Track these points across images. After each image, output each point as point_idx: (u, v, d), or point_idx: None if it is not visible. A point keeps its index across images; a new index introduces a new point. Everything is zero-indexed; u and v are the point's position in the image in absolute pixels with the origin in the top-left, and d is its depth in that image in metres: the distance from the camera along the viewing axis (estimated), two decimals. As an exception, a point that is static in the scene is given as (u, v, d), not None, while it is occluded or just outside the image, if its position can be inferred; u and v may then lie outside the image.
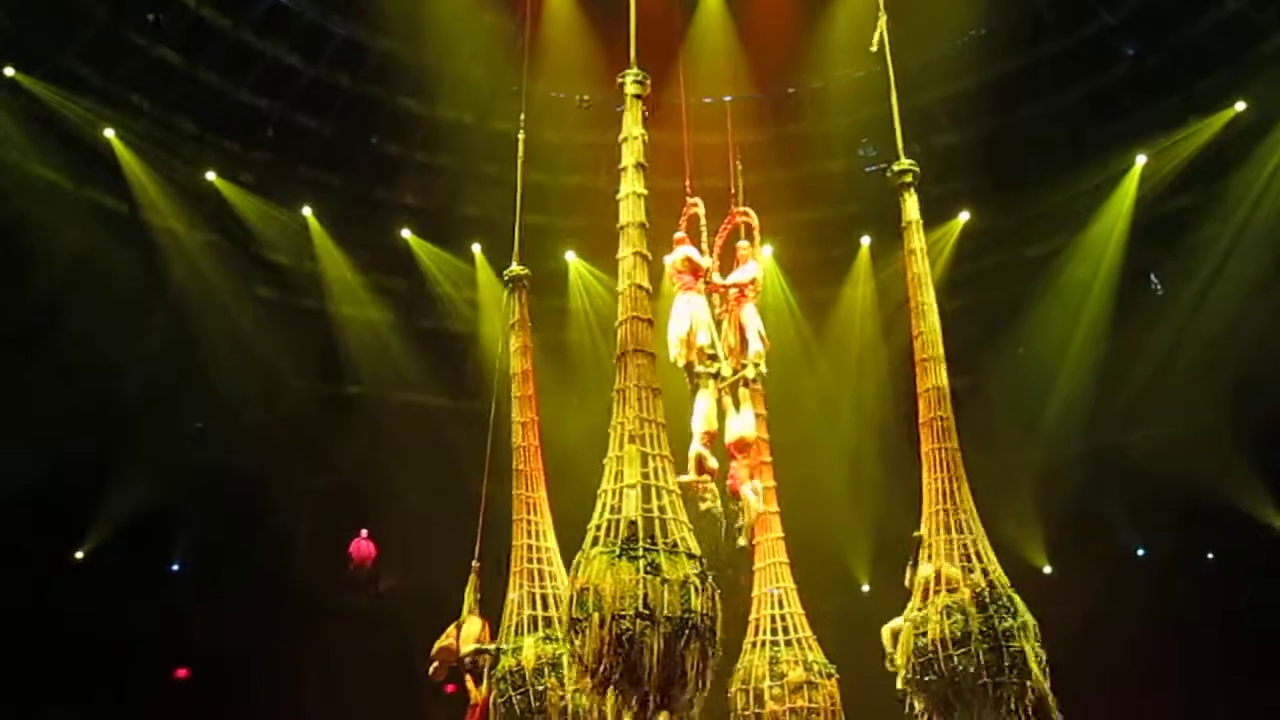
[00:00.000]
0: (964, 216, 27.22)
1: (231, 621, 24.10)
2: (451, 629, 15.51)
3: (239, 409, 25.85)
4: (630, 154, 13.17)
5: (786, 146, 28.30)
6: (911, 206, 14.25)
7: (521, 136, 17.75)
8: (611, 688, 10.75)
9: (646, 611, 10.70)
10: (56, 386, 23.23)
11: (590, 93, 27.03)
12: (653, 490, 11.44)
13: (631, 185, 12.97)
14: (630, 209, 12.84)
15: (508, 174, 27.96)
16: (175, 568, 25.98)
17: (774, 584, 15.83)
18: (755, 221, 15.77)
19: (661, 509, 11.38)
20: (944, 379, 13.28)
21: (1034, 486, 26.23)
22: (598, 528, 11.39)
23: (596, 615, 10.75)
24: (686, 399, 14.46)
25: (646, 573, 10.84)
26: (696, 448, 13.76)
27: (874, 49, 15.29)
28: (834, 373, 28.27)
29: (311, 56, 26.37)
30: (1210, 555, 25.94)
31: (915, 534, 12.71)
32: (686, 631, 10.84)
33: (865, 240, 27.82)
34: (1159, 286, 27.28)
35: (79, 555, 24.35)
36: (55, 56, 23.39)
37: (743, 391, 14.35)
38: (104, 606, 23.30)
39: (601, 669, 10.71)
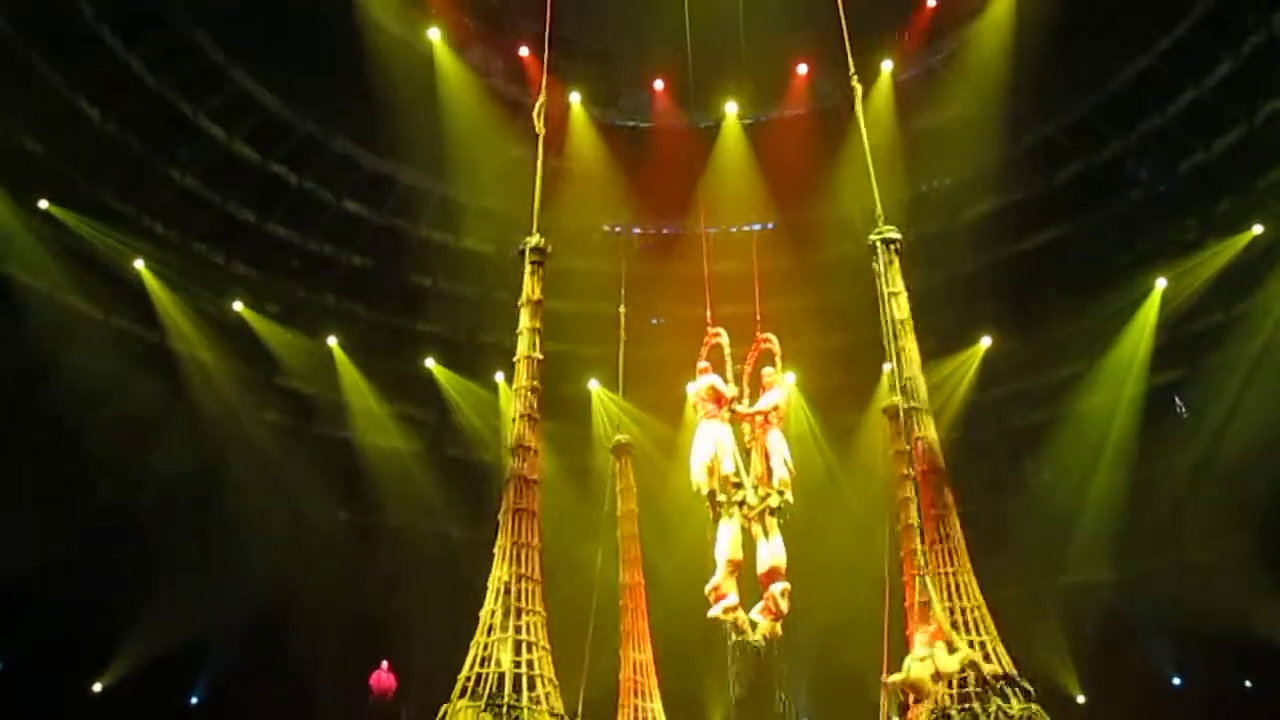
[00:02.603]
0: (986, 341, 27.25)
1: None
2: None
3: (262, 538, 25.74)
4: (528, 318, 13.84)
5: (809, 274, 28.55)
6: (895, 276, 13.91)
7: (623, 311, 18.16)
8: None
9: None
10: (79, 513, 23.25)
11: (610, 220, 27.53)
12: (523, 645, 11.94)
13: (526, 349, 13.73)
14: (523, 373, 13.56)
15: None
16: (195, 700, 25.63)
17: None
18: (778, 348, 15.80)
19: (530, 663, 11.90)
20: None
21: (1064, 613, 25.79)
22: (467, 679, 11.82)
23: None
24: (709, 526, 14.41)
25: None
26: (718, 579, 13.67)
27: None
28: (861, 498, 28.03)
29: (338, 189, 26.90)
30: (1248, 684, 25.31)
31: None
32: None
33: (887, 367, 27.80)
34: (1183, 409, 27.13)
35: (97, 687, 24.04)
36: (88, 188, 23.87)
37: (769, 520, 14.17)
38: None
39: None
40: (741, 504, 13.96)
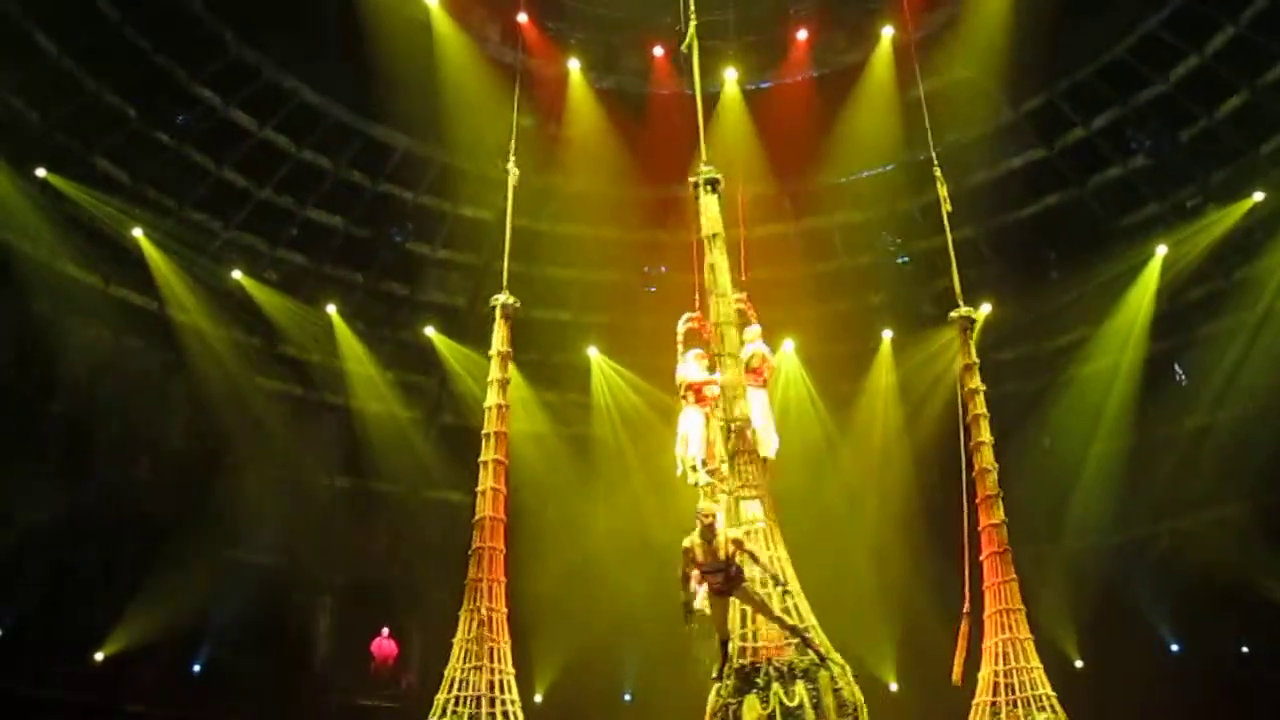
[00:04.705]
0: (985, 308, 27.18)
1: (252, 721, 23.88)
2: None
3: (262, 506, 25.80)
4: (496, 369, 14.90)
5: (809, 241, 28.52)
6: (715, 219, 13.43)
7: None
8: None
9: None
10: (81, 482, 23.31)
11: (612, 189, 27.41)
12: (492, 669, 13.59)
13: (495, 399, 14.83)
14: (491, 420, 14.76)
15: (528, 270, 28.55)
16: (197, 668, 25.71)
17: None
18: (745, 306, 15.83)
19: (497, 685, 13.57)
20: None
21: (1064, 579, 25.83)
22: (445, 701, 13.39)
23: None
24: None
25: None
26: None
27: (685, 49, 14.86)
28: (857, 466, 28.02)
29: (336, 156, 26.80)
30: (1245, 649, 25.40)
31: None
32: None
33: (887, 334, 27.81)
34: (1183, 376, 27.12)
35: (99, 657, 24.10)
36: (85, 157, 23.79)
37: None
38: (125, 707, 23.12)
39: None
40: (696, 485, 14.17)
